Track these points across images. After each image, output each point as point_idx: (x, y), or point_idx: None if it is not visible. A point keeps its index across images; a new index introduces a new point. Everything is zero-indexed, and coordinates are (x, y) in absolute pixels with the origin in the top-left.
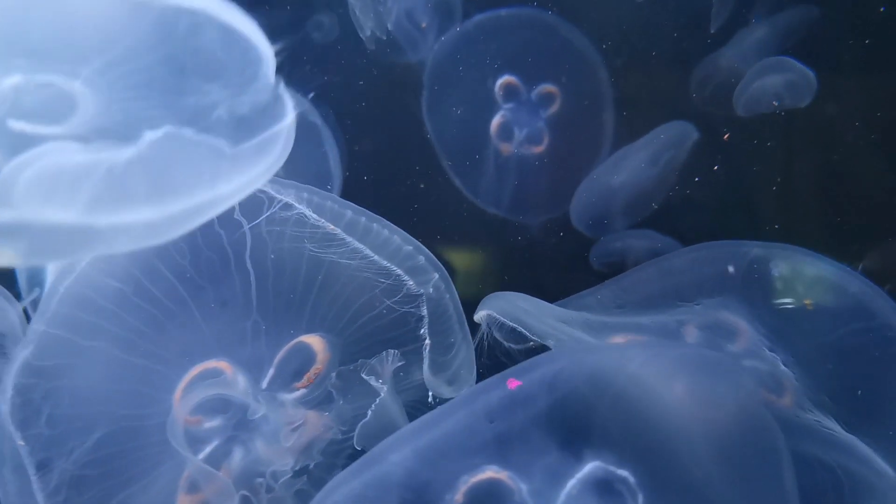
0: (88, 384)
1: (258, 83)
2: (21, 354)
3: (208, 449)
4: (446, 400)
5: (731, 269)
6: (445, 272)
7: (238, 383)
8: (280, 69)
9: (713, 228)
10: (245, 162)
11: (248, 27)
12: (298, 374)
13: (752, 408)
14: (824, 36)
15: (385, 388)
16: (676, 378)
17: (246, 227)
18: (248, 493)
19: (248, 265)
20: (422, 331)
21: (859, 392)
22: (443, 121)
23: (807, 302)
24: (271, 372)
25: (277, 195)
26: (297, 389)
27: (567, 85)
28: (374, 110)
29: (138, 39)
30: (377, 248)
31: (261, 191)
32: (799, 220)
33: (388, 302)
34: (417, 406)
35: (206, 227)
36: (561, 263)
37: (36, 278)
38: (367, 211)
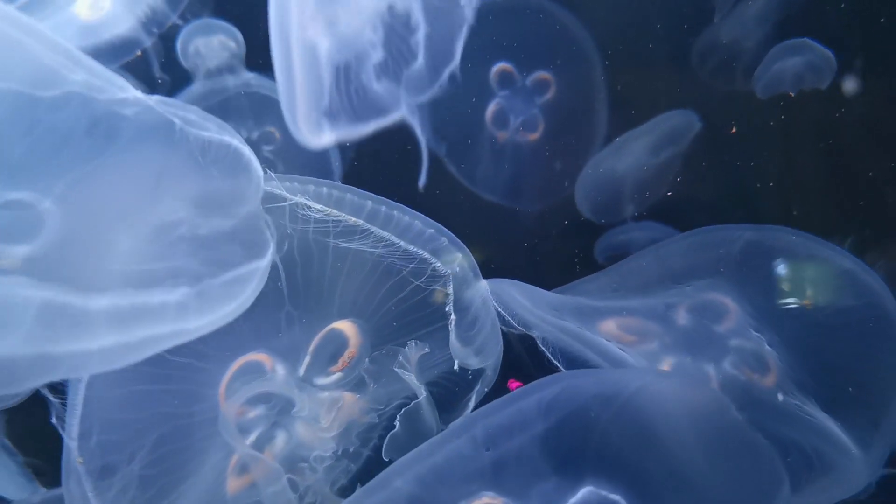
0: (139, 389)
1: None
2: None
3: (254, 436)
4: (472, 370)
5: (721, 251)
6: (467, 250)
7: (277, 373)
8: None
9: (718, 221)
10: (212, 300)
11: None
12: (333, 359)
13: (739, 432)
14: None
15: (418, 395)
16: (667, 405)
17: (270, 224)
18: (293, 477)
19: (277, 259)
20: (447, 307)
21: (842, 370)
22: (438, 108)
23: (806, 299)
24: (307, 359)
25: (299, 191)
26: (333, 374)
27: (562, 72)
28: None
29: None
30: (400, 233)
31: (282, 187)
32: (806, 209)
33: (416, 283)
34: (444, 378)
35: None
36: (563, 252)
37: None
38: (385, 199)
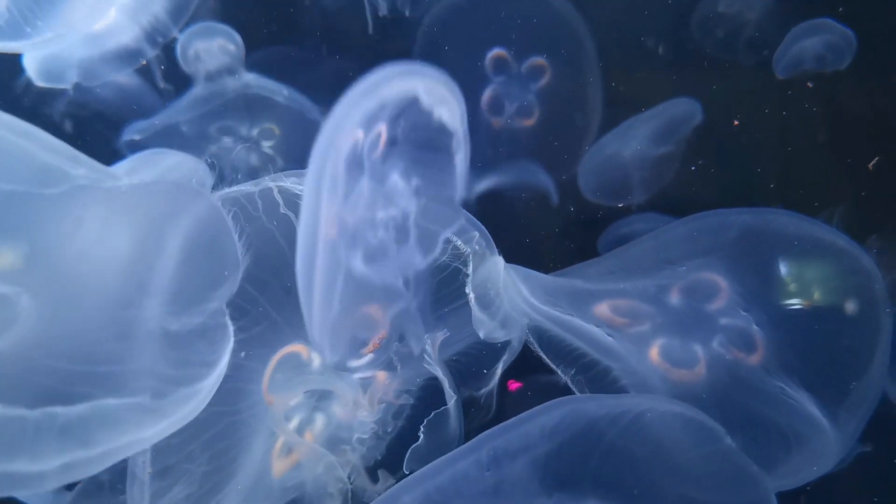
0: None
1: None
2: None
3: (296, 421)
4: (497, 344)
5: (719, 233)
6: (484, 229)
7: (313, 361)
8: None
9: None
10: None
11: None
12: (364, 342)
13: (733, 459)
14: None
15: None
16: (666, 431)
17: (294, 218)
18: (335, 459)
19: None
20: (468, 285)
21: (826, 350)
22: None
23: (799, 283)
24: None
25: None
26: (365, 356)
27: (557, 58)
28: None
29: None
30: None
31: (297, 182)
32: (812, 194)
33: (438, 261)
34: (473, 348)
35: (259, 227)
36: (566, 247)
37: None
38: None
